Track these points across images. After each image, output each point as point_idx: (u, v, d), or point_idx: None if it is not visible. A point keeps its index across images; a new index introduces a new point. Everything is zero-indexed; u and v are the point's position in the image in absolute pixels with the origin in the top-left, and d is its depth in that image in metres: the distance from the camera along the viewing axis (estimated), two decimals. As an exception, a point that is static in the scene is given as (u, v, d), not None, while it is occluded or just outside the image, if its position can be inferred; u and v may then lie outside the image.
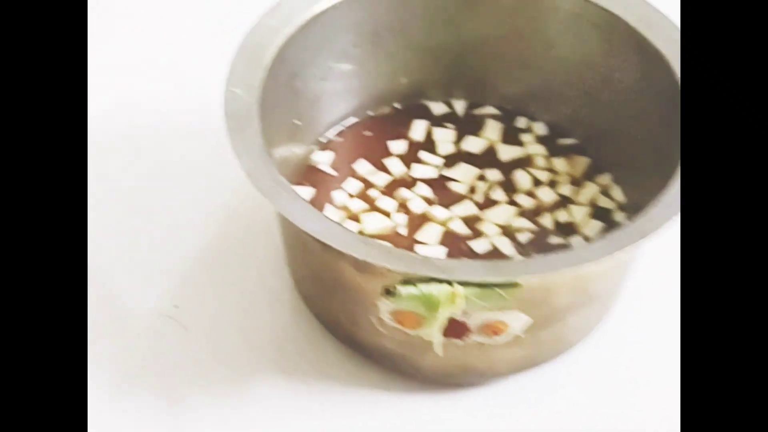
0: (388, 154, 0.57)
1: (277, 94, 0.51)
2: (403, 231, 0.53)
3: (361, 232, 0.53)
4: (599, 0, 0.53)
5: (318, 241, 0.41)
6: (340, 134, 0.58)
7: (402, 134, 0.58)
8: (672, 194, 0.44)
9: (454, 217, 0.54)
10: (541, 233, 0.53)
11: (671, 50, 0.50)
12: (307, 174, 0.56)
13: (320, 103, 0.56)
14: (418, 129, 0.58)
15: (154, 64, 0.64)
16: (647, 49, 0.51)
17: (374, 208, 0.54)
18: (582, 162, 0.57)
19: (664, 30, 0.51)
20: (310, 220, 0.43)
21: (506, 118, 0.59)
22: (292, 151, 0.56)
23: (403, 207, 0.54)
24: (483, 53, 0.58)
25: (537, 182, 0.56)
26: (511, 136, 0.58)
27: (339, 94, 0.57)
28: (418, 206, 0.54)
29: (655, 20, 0.51)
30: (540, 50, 0.56)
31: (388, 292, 0.41)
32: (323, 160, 0.57)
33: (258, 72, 0.49)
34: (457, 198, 0.55)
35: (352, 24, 0.55)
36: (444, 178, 0.56)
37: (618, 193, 0.55)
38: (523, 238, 0.53)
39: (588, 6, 0.53)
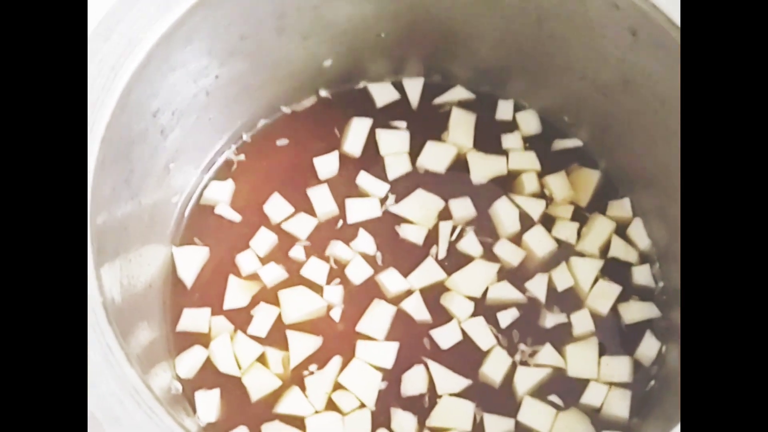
0: (314, 178, 0.40)
1: (131, 148, 0.34)
2: (339, 314, 0.38)
3: (280, 321, 0.38)
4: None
5: None
6: (242, 148, 0.40)
7: (332, 142, 0.40)
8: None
9: (411, 290, 0.38)
10: (531, 308, 0.38)
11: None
12: (199, 223, 0.39)
13: (205, 122, 0.39)
14: (356, 135, 0.40)
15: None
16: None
17: (298, 278, 0.38)
18: (590, 178, 0.40)
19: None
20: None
21: (482, 104, 0.41)
22: (171, 199, 0.39)
23: (338, 274, 0.38)
24: (442, 23, 0.39)
25: (525, 219, 0.39)
26: (488, 137, 0.41)
27: (233, 100, 0.39)
28: (358, 273, 0.38)
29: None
30: (526, 24, 0.38)
31: None
32: (221, 197, 0.40)
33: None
34: (412, 252, 0.39)
35: (238, 16, 0.36)
36: (393, 218, 0.39)
37: (639, 232, 0.39)
38: (506, 318, 0.38)
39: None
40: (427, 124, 0.41)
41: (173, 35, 0.34)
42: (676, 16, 0.34)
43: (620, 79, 0.37)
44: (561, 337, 0.38)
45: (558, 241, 0.39)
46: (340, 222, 0.39)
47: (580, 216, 0.40)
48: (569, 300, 0.38)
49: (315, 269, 0.38)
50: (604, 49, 0.37)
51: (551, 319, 0.38)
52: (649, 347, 0.37)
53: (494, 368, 0.37)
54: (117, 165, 0.34)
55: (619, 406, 0.36)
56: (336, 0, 0.37)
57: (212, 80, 0.37)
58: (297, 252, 0.39)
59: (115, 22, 0.33)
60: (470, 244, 0.39)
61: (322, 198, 0.39)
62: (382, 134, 0.40)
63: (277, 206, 0.39)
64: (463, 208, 0.39)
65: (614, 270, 0.39)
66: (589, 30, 0.36)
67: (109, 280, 0.32)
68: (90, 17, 0.33)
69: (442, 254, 0.39)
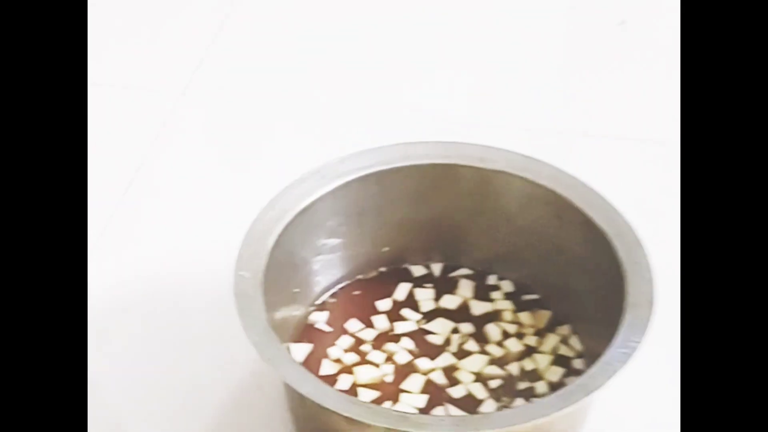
0: (376, 311, 0.66)
1: (278, 271, 0.61)
2: (390, 379, 0.62)
3: (354, 383, 0.61)
4: (549, 183, 0.63)
5: (314, 401, 0.50)
6: (333, 295, 0.67)
7: (387, 294, 0.67)
8: (612, 352, 0.53)
9: (435, 368, 0.62)
10: (510, 379, 0.62)
11: (612, 228, 0.60)
12: (306, 332, 0.65)
13: (315, 273, 0.66)
14: (402, 291, 0.67)
15: (167, 251, 0.74)
16: (591, 226, 0.61)
17: (365, 361, 0.63)
18: (544, 315, 0.65)
19: (605, 211, 0.61)
20: (306, 383, 0.51)
21: (478, 277, 0.68)
22: (293, 313, 0.65)
23: (390, 359, 0.63)
24: (453, 225, 0.67)
25: (505, 334, 0.64)
26: (482, 293, 0.67)
27: (331, 263, 0.66)
28: (402, 358, 0.63)
29: (597, 203, 0.61)
30: (501, 222, 0.66)
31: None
32: (320, 319, 0.65)
33: (261, 256, 0.59)
34: (435, 349, 0.63)
35: (339, 208, 0.64)
36: (423, 331, 0.64)
37: (576, 342, 0.64)
38: (494, 383, 0.61)
39: (539, 188, 0.63)
40: (445, 286, 0.67)
41: (304, 214, 0.63)
42: (581, 204, 0.62)
43: (556, 250, 0.65)
44: (528, 394, 0.61)
45: (526, 345, 0.64)
46: (392, 332, 0.65)
47: (539, 333, 0.64)
48: (533, 376, 0.62)
49: (376, 356, 0.63)
50: (545, 232, 0.65)
51: (522, 385, 0.61)
52: (582, 400, 0.60)
53: (487, 409, 0.60)
54: (268, 281, 0.60)
55: (564, 428, 0.59)
56: (393, 208, 0.66)
57: (320, 247, 0.66)
58: (365, 347, 0.63)
59: (276, 201, 0.62)
60: (471, 346, 0.64)
61: (380, 320, 0.65)
62: (417, 291, 0.67)
63: (353, 324, 0.65)
64: (467, 327, 0.65)
65: (560, 361, 0.63)
66: (534, 221, 0.65)
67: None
68: (262, 198, 0.62)
69: (454, 350, 0.63)
